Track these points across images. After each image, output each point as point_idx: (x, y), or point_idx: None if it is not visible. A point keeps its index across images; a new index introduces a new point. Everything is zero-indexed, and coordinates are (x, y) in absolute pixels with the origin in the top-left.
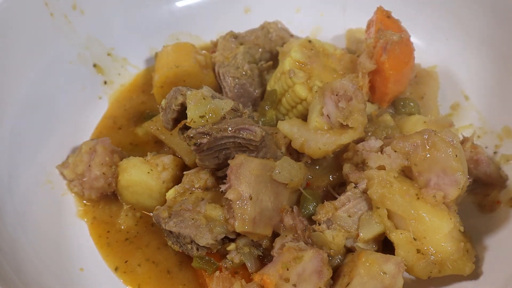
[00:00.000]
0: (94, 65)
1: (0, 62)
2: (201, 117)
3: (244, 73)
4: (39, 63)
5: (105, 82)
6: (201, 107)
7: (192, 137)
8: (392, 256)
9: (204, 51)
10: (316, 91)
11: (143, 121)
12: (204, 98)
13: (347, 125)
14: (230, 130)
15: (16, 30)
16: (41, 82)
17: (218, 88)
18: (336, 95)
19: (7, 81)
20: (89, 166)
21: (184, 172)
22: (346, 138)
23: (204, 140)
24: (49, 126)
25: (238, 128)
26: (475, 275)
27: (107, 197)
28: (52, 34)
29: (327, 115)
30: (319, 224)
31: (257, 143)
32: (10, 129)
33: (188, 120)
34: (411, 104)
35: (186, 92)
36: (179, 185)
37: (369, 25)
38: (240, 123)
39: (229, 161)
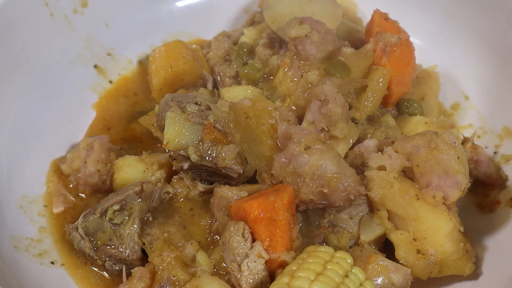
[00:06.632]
0: (95, 66)
1: (0, 62)
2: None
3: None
4: (39, 63)
5: (110, 82)
6: (178, 129)
7: (174, 159)
8: (401, 266)
9: (194, 45)
10: None
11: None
12: (184, 120)
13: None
14: (209, 161)
15: (16, 30)
16: (41, 82)
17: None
18: (320, 100)
19: (6, 81)
20: (85, 162)
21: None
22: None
23: (185, 166)
24: (49, 126)
25: (220, 167)
26: (475, 275)
27: (101, 193)
28: (52, 34)
29: (313, 122)
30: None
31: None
32: (10, 130)
33: (164, 143)
34: (415, 105)
35: (169, 110)
36: None
37: (367, 30)
38: (221, 161)
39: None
